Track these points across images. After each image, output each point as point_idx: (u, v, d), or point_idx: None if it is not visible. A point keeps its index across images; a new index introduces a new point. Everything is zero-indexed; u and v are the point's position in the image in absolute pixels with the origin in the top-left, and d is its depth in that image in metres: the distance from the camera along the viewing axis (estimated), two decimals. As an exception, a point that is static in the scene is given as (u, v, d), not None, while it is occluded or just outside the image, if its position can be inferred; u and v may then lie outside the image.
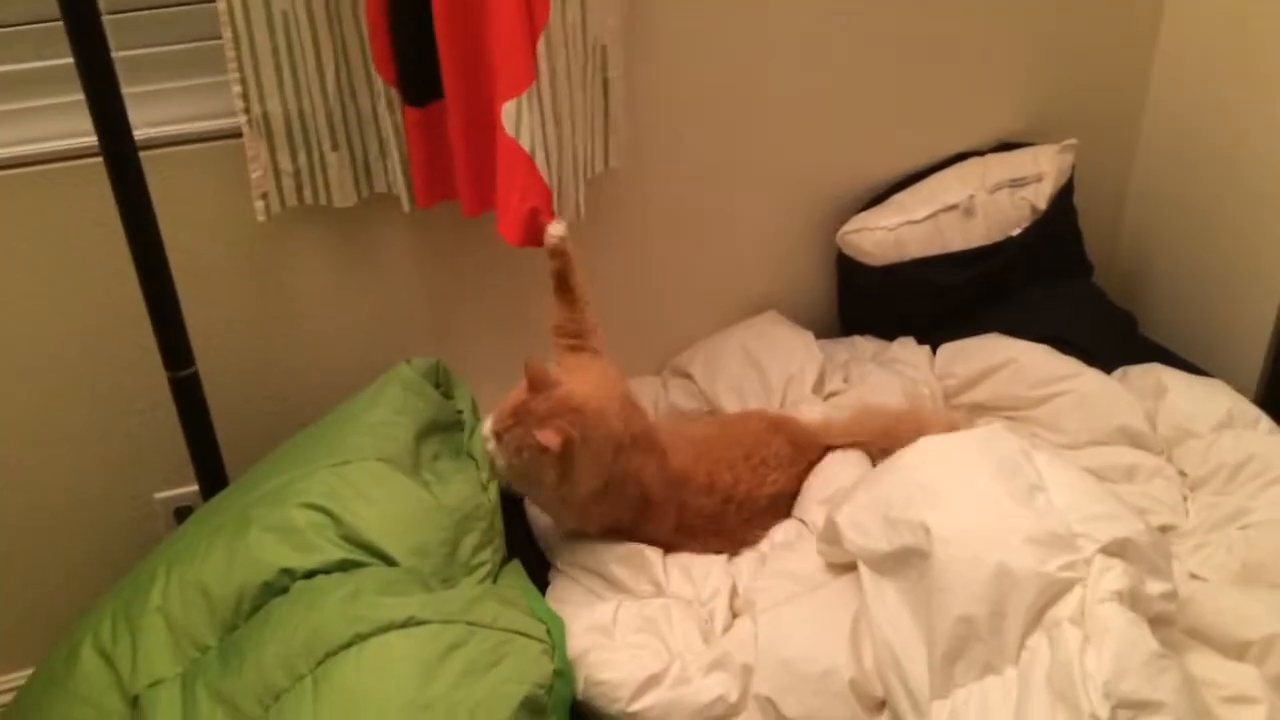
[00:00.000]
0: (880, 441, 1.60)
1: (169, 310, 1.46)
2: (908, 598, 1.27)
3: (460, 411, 1.58)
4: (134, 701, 1.40)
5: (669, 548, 1.52)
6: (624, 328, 1.90)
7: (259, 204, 1.54)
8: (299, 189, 1.56)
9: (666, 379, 1.92)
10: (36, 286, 1.55)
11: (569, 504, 1.48)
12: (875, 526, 1.32)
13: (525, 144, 1.50)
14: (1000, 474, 1.29)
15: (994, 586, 1.19)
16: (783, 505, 1.59)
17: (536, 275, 1.80)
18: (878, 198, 1.93)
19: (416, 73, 1.51)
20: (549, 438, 1.34)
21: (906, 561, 1.28)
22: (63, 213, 1.51)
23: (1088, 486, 1.30)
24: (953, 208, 1.88)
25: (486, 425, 1.45)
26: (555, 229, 1.51)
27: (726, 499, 1.54)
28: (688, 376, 1.88)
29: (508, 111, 1.50)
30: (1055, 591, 1.18)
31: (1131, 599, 1.17)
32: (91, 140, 1.36)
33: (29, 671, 1.68)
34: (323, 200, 1.58)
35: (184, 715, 1.33)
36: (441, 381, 1.61)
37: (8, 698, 1.68)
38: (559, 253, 1.51)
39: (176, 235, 1.45)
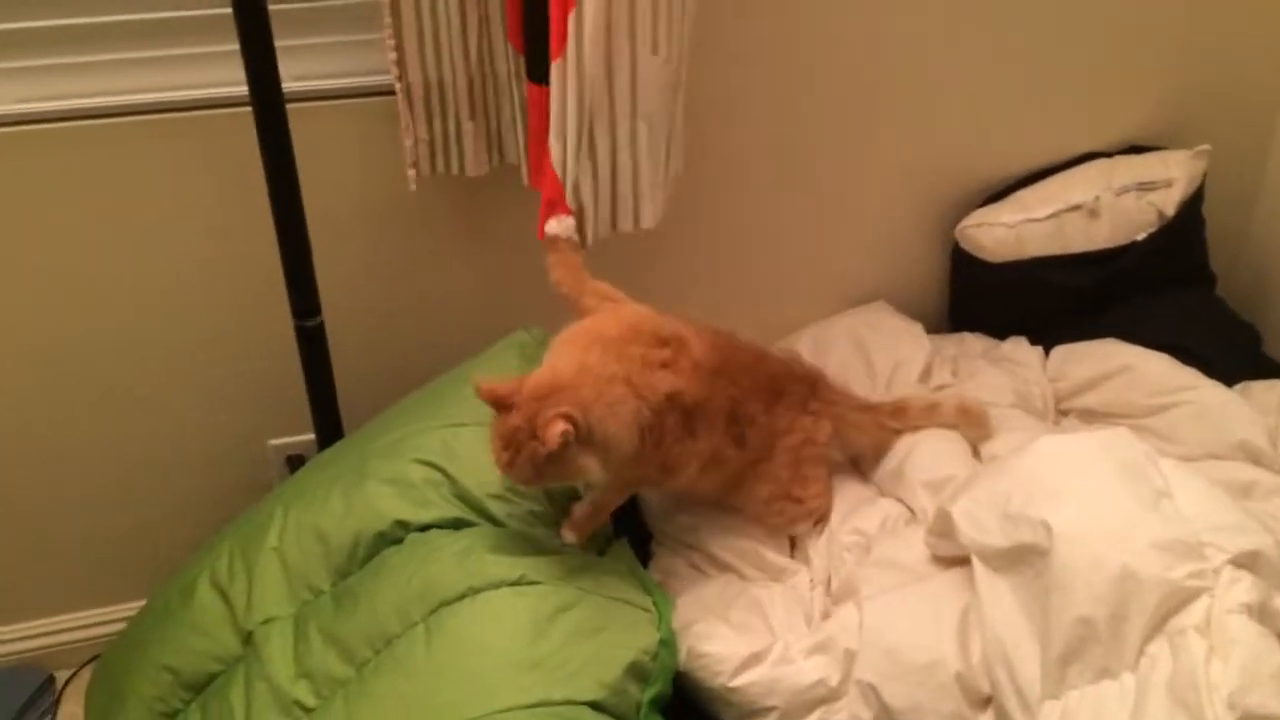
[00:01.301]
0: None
1: (301, 261, 1.50)
2: (1022, 595, 1.26)
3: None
4: (248, 637, 1.45)
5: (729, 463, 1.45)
6: (731, 311, 1.89)
7: (411, 173, 1.56)
8: (433, 157, 1.58)
9: (773, 362, 1.92)
10: (177, 228, 1.59)
11: (637, 472, 1.39)
12: (992, 522, 1.31)
13: (551, 125, 1.45)
14: (1125, 477, 1.27)
15: (1116, 589, 1.17)
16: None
17: (648, 254, 1.82)
18: (999, 193, 1.90)
19: (537, 46, 1.48)
20: (551, 437, 1.21)
21: (1024, 559, 1.26)
22: (207, 158, 1.55)
23: (1216, 496, 1.27)
24: (1077, 208, 1.84)
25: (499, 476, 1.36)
26: (552, 226, 1.47)
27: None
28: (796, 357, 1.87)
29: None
30: (1181, 599, 1.16)
31: (1260, 613, 1.14)
32: (241, 90, 1.39)
33: (139, 603, 1.75)
34: (455, 169, 1.60)
35: (296, 653, 1.37)
36: (553, 350, 1.63)
37: (119, 626, 1.73)
38: (555, 251, 1.46)
39: (314, 188, 1.48)
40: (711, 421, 1.41)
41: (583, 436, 1.24)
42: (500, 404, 1.26)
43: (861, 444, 1.63)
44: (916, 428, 1.61)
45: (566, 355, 1.31)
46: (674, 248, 1.82)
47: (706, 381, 1.39)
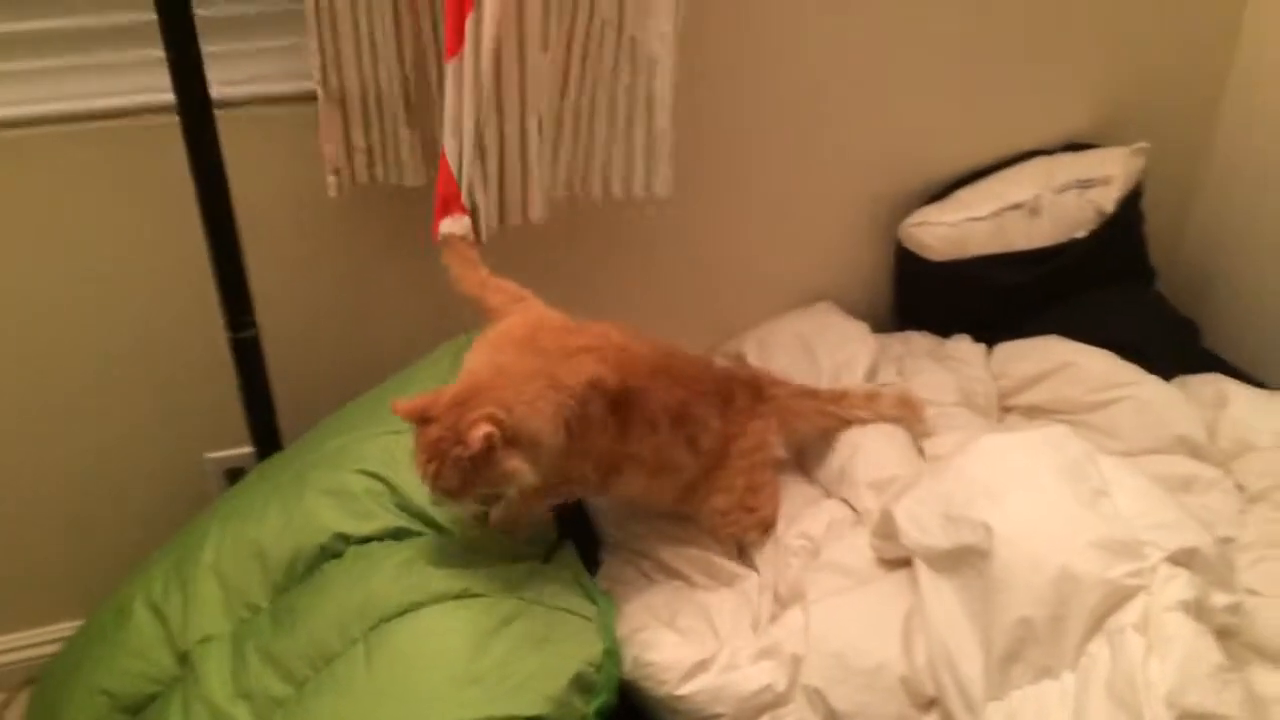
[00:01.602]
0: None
1: (234, 271, 1.47)
2: (965, 596, 1.26)
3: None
4: (184, 657, 1.41)
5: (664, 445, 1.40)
6: (675, 312, 1.90)
7: (331, 179, 1.54)
8: (370, 165, 1.56)
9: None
10: (103, 239, 1.55)
11: (568, 470, 1.33)
12: (934, 523, 1.31)
13: (446, 124, 1.44)
14: (1065, 476, 1.28)
15: (1055, 589, 1.18)
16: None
17: (592, 256, 1.81)
18: (941, 192, 1.91)
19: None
20: (474, 439, 1.17)
21: (965, 560, 1.27)
22: (135, 168, 1.52)
23: (1154, 494, 1.28)
24: (1018, 206, 1.85)
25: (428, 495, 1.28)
26: (447, 225, 1.45)
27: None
28: (741, 360, 1.87)
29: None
30: (1119, 598, 1.17)
31: (1197, 610, 1.15)
32: (168, 97, 1.36)
33: (76, 623, 1.71)
34: (394, 179, 1.58)
35: (233, 672, 1.34)
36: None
37: (55, 648, 1.69)
38: (451, 251, 1.45)
39: (245, 196, 1.45)
40: (653, 420, 1.38)
41: (508, 436, 1.20)
42: (420, 418, 1.22)
43: (804, 431, 1.63)
44: (858, 416, 1.62)
45: (481, 359, 1.29)
46: (612, 251, 1.81)
47: (640, 373, 1.36)
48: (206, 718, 1.33)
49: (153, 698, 1.44)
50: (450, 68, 1.40)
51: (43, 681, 1.65)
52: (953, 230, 1.85)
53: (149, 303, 1.61)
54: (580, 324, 1.36)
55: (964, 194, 1.90)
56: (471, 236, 1.47)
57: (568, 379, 1.26)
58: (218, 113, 1.38)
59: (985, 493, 1.28)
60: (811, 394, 1.63)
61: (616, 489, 1.43)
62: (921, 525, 1.32)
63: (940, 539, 1.30)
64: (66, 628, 1.74)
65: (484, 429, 1.17)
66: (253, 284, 1.49)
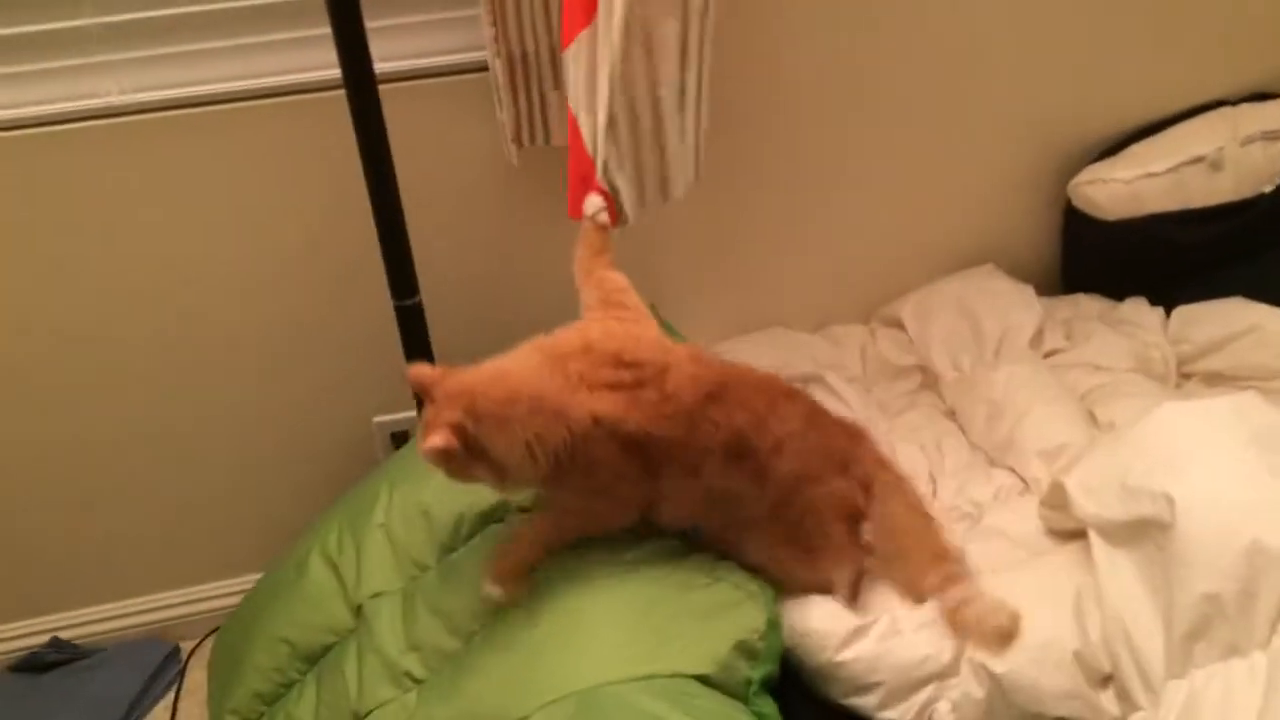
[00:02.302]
0: None
1: (398, 240, 1.51)
2: (1143, 570, 1.20)
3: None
4: (358, 610, 1.48)
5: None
6: (827, 274, 1.87)
7: (512, 147, 1.56)
8: (518, 129, 1.58)
9: (875, 328, 1.87)
10: (274, 211, 1.62)
11: (595, 506, 1.27)
12: (1111, 494, 1.25)
13: (570, 99, 1.39)
14: (1256, 446, 1.20)
15: (1247, 564, 1.11)
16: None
17: (748, 224, 1.79)
18: (1113, 148, 1.81)
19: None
20: (428, 446, 1.14)
21: (1144, 533, 1.21)
22: (304, 142, 1.57)
23: (1359, 466, 1.19)
24: (1198, 160, 1.75)
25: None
26: (589, 204, 1.40)
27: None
28: (898, 325, 1.83)
29: (566, 59, 1.39)
30: (1317, 575, 1.09)
31: None
32: (334, 73, 1.40)
33: (255, 576, 1.80)
34: (541, 140, 1.59)
35: (404, 626, 1.39)
36: (659, 323, 1.61)
37: (236, 599, 1.79)
38: (583, 233, 1.39)
39: (407, 168, 1.48)
40: (692, 465, 1.24)
41: (471, 448, 1.16)
42: (423, 391, 1.20)
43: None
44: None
45: (515, 358, 1.23)
46: (760, 214, 1.79)
47: (678, 422, 1.22)
48: (379, 668, 1.39)
49: (328, 648, 1.51)
50: (580, 39, 1.37)
51: (225, 630, 1.75)
52: (1127, 187, 1.75)
53: (321, 273, 1.67)
54: (642, 353, 1.25)
55: (1139, 148, 1.80)
56: (605, 218, 1.40)
57: (571, 411, 1.18)
58: (381, 87, 1.41)
59: (1166, 463, 1.22)
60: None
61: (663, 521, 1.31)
62: (1097, 496, 1.27)
63: (1117, 510, 1.24)
64: (246, 580, 1.84)
65: (439, 441, 1.13)
66: (417, 253, 1.53)
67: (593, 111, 1.41)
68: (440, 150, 1.61)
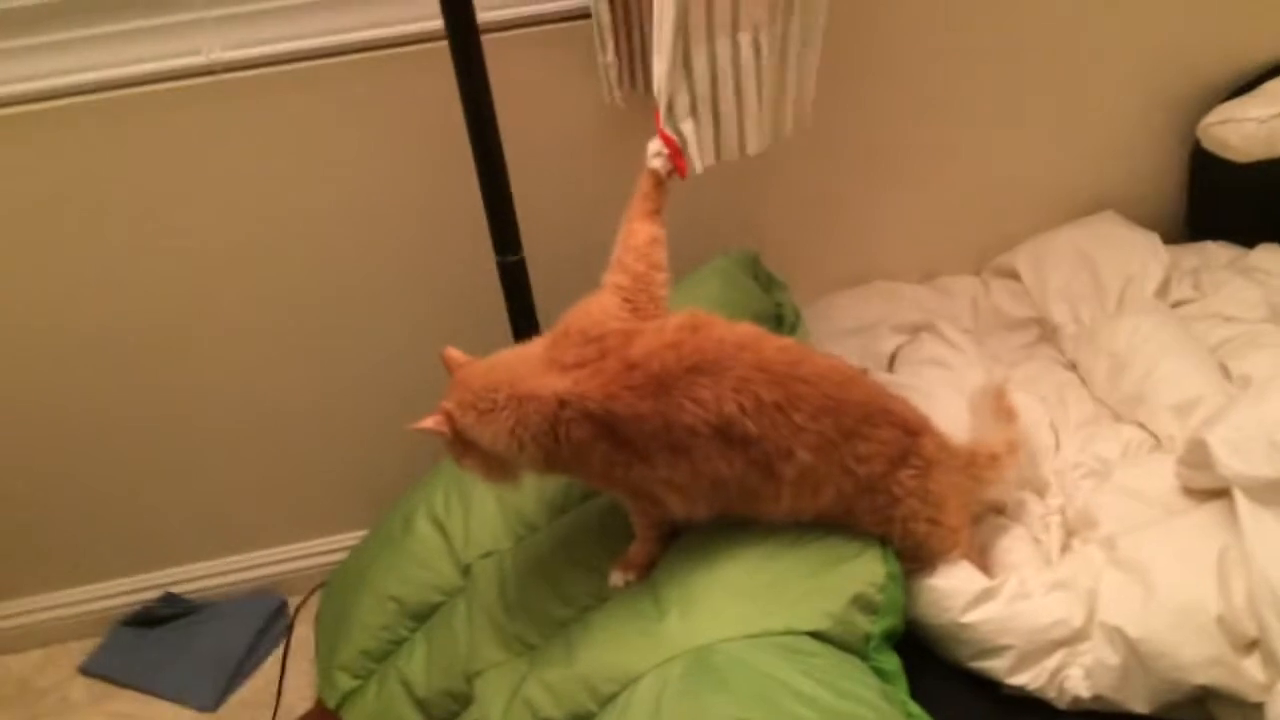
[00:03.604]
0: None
1: (501, 197, 1.48)
2: (1295, 531, 1.14)
3: (779, 304, 1.53)
4: (466, 570, 1.47)
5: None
6: (936, 223, 1.80)
7: (617, 93, 1.52)
8: (620, 76, 1.53)
9: (987, 280, 1.80)
10: (379, 165, 1.60)
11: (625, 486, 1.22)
12: (1259, 451, 1.19)
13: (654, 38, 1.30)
14: None
15: None
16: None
17: (850, 172, 1.73)
18: (1246, 85, 1.71)
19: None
20: (424, 423, 1.20)
21: (1296, 491, 1.14)
22: (404, 95, 1.55)
23: None
24: (1341, 96, 1.64)
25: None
26: (649, 148, 1.31)
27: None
28: (1013, 276, 1.76)
29: None
30: None
31: None
32: (436, 24, 1.37)
33: (361, 532, 1.82)
34: (642, 88, 1.54)
35: (516, 588, 1.39)
36: (759, 274, 1.57)
37: (343, 554, 1.81)
38: (640, 185, 1.30)
39: (510, 121, 1.45)
40: (679, 445, 1.16)
41: (461, 437, 1.20)
42: (449, 369, 1.25)
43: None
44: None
45: (522, 346, 1.24)
46: (864, 161, 1.73)
47: (652, 393, 1.15)
48: (489, 629, 1.38)
49: (437, 606, 1.52)
50: None
51: (332, 585, 1.77)
52: (1261, 127, 1.65)
53: (424, 228, 1.65)
54: (610, 324, 1.20)
55: (1274, 86, 1.69)
56: (659, 164, 1.31)
57: (541, 393, 1.16)
58: (484, 37, 1.38)
59: (1322, 416, 1.15)
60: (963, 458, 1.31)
61: (684, 513, 1.24)
62: (1243, 453, 1.20)
63: (1266, 468, 1.17)
64: (352, 537, 1.85)
65: (429, 422, 1.20)
66: (520, 208, 1.50)
67: (663, 54, 1.33)
68: (542, 102, 1.57)
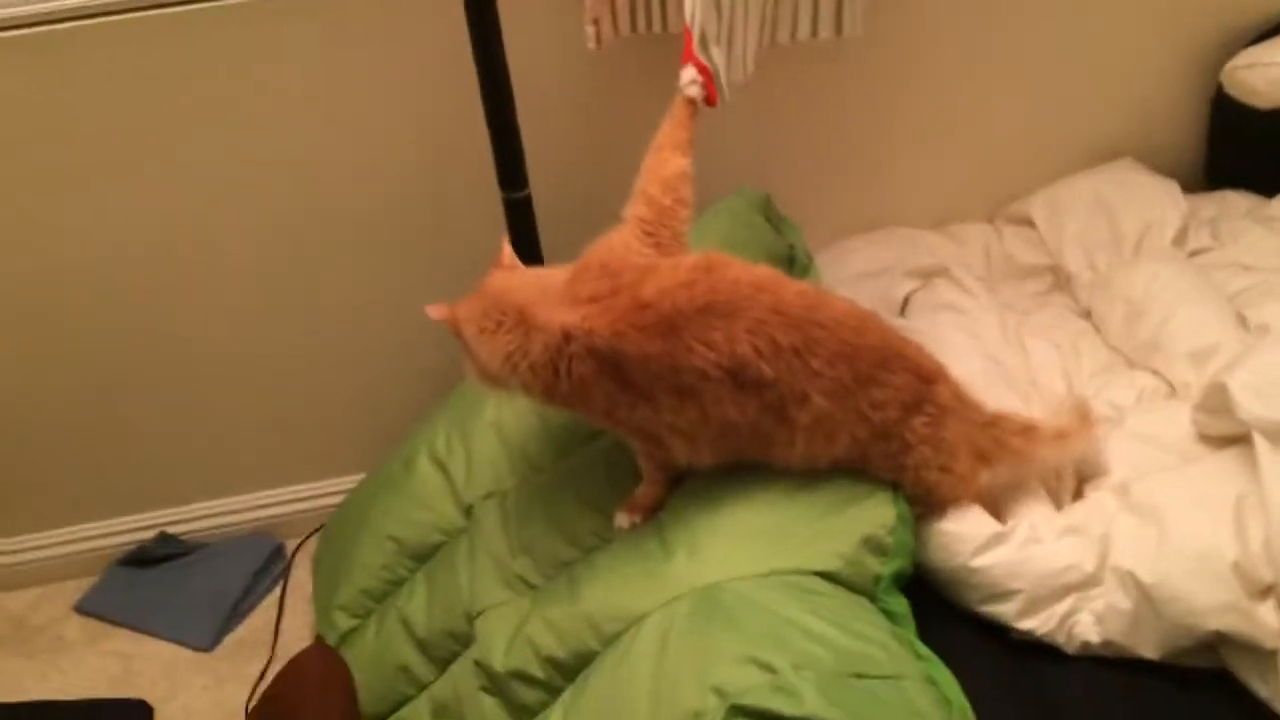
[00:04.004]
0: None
1: (508, 132, 1.44)
2: (1318, 477, 1.12)
3: (791, 246, 1.50)
4: (468, 510, 1.45)
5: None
6: (949, 169, 1.77)
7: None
8: (633, 15, 1.50)
9: (1000, 227, 1.77)
10: (387, 99, 1.57)
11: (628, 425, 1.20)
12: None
13: None
14: None
15: None
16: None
17: (865, 116, 1.69)
18: (1273, 29, 1.66)
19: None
20: (431, 309, 1.23)
21: (1319, 435, 1.12)
22: (409, 24, 1.51)
23: None
24: (1370, 41, 1.60)
25: None
26: (684, 78, 1.29)
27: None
28: (1026, 223, 1.73)
29: None
30: None
31: None
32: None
33: (358, 476, 1.79)
34: (657, 28, 1.51)
35: (518, 527, 1.37)
36: (771, 215, 1.54)
37: (340, 497, 1.79)
38: (671, 113, 1.28)
39: (517, 58, 1.41)
40: (684, 388, 1.13)
41: (462, 341, 1.21)
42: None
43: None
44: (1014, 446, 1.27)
45: (549, 270, 1.24)
46: (878, 105, 1.69)
47: (659, 327, 1.12)
48: (491, 568, 1.36)
49: (438, 547, 1.50)
50: None
51: (330, 527, 1.75)
52: (1287, 71, 1.61)
53: (429, 164, 1.62)
54: (629, 260, 1.18)
55: (1301, 29, 1.65)
56: (694, 91, 1.29)
57: (547, 326, 1.14)
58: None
59: (1348, 359, 1.12)
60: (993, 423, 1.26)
61: (689, 458, 1.22)
62: (1265, 398, 1.18)
63: (1288, 412, 1.15)
64: (350, 480, 1.83)
65: (438, 313, 1.22)
66: (527, 145, 1.46)
67: None
68: (551, 40, 1.53)
